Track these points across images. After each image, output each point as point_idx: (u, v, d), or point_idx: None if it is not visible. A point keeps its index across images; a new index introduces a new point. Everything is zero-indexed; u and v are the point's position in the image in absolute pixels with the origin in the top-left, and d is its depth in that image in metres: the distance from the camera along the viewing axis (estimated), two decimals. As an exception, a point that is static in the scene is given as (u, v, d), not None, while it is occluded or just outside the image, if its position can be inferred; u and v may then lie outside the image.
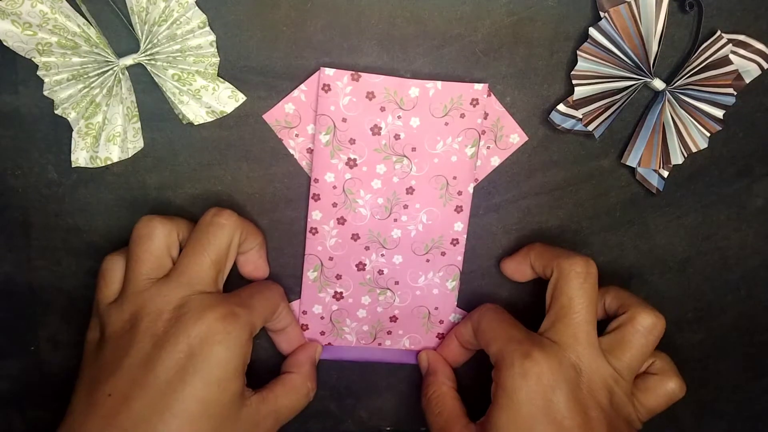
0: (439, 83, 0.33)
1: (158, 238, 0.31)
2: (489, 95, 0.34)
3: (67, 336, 0.37)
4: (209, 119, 0.33)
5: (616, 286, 0.35)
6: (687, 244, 0.38)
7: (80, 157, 0.33)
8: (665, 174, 0.36)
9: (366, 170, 0.34)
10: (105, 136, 0.33)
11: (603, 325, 0.33)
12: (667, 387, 0.33)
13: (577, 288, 0.32)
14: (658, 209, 0.37)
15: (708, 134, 0.35)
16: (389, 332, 0.38)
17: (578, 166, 0.36)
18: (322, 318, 0.37)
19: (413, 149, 0.34)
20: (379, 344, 0.38)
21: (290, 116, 0.34)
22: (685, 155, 0.35)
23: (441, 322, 0.38)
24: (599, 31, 0.32)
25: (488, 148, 0.35)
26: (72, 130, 0.32)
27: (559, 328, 0.31)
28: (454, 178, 0.35)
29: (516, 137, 0.35)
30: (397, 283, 0.37)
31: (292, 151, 0.34)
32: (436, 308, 0.38)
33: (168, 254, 0.32)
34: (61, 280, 0.36)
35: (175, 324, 0.29)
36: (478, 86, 0.33)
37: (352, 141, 0.34)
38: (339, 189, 0.35)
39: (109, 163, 0.33)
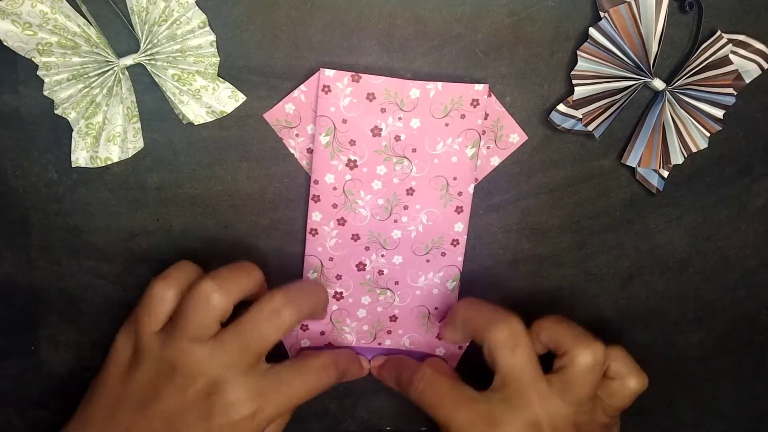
0: (439, 84, 0.33)
1: (213, 310, 0.31)
2: (489, 95, 0.34)
3: (67, 336, 0.37)
4: (209, 119, 0.33)
5: (548, 319, 0.34)
6: (687, 244, 0.38)
7: (80, 157, 0.33)
8: (665, 174, 0.36)
9: (366, 171, 0.34)
10: (105, 136, 0.33)
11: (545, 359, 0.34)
12: (629, 388, 0.33)
13: (509, 357, 0.32)
14: (658, 209, 0.37)
15: (708, 134, 0.35)
16: (389, 332, 0.38)
17: (578, 166, 0.36)
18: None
19: (413, 150, 0.34)
20: (379, 344, 0.38)
21: (290, 116, 0.34)
22: (685, 155, 0.35)
23: (441, 322, 0.38)
24: (599, 31, 0.32)
25: (488, 148, 0.35)
26: (72, 130, 0.32)
27: (508, 394, 0.32)
28: (455, 178, 0.35)
29: (516, 137, 0.35)
30: (397, 283, 0.37)
31: (292, 151, 0.34)
32: (436, 308, 0.38)
33: (218, 322, 0.31)
34: (61, 280, 0.36)
35: (204, 401, 0.30)
36: (479, 87, 0.33)
37: (353, 142, 0.34)
38: (339, 190, 0.35)
39: (109, 163, 0.33)
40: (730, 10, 0.34)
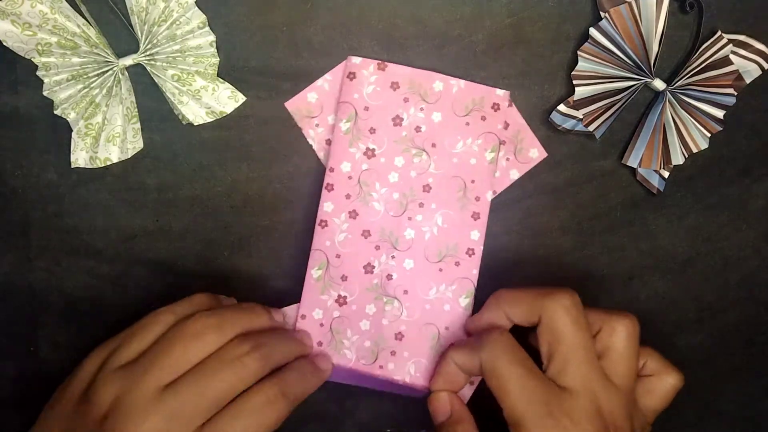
0: (462, 82, 0.33)
1: (203, 348, 0.30)
2: (510, 105, 0.34)
3: (66, 336, 0.37)
4: (209, 120, 0.33)
5: (651, 349, 0.33)
6: (687, 245, 0.38)
7: (80, 157, 0.33)
8: (666, 174, 0.36)
9: (384, 162, 0.34)
10: (104, 136, 0.33)
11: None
12: (667, 384, 0.32)
13: (573, 330, 0.30)
14: (659, 210, 0.37)
15: (708, 134, 0.35)
16: (393, 353, 0.35)
17: (579, 167, 0.36)
18: (321, 325, 0.35)
19: (433, 145, 0.34)
20: (381, 367, 0.35)
21: (312, 105, 0.34)
22: (686, 155, 0.35)
23: (452, 345, 0.34)
24: (600, 31, 0.32)
25: (507, 159, 0.35)
26: (72, 131, 0.32)
27: (571, 372, 0.30)
28: (473, 181, 0.34)
29: (535, 152, 0.35)
30: (406, 292, 0.35)
31: (311, 142, 0.34)
32: (447, 328, 0.35)
33: (194, 364, 0.30)
34: (61, 280, 0.36)
35: None
36: (500, 92, 0.34)
37: (373, 130, 0.33)
38: (354, 180, 0.34)
39: (108, 163, 0.33)
40: (730, 11, 0.33)
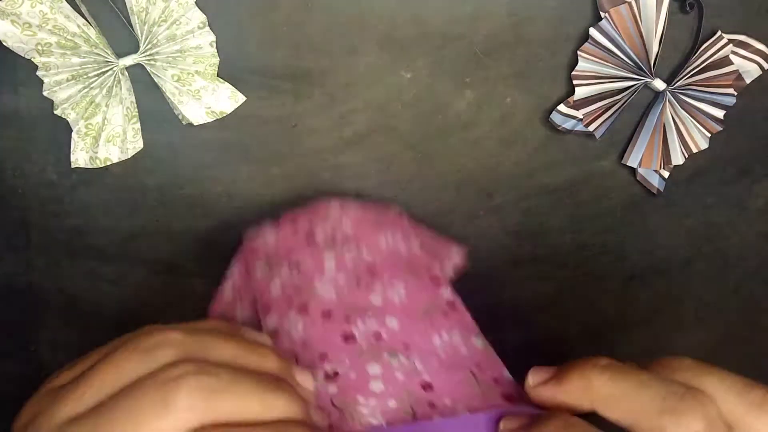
0: (402, 291, 0.29)
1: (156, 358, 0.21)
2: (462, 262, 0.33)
3: (67, 337, 0.37)
4: (209, 120, 0.33)
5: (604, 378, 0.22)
6: (688, 245, 0.38)
7: (80, 157, 0.33)
8: (666, 174, 0.36)
9: (355, 377, 0.26)
10: (104, 136, 0.33)
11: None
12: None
13: None
14: (659, 210, 0.37)
15: (708, 134, 0.35)
16: (431, 404, 0.25)
17: (579, 167, 0.36)
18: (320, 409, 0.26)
19: (406, 347, 0.27)
20: (430, 418, 0.26)
21: (230, 300, 0.31)
22: (686, 155, 0.35)
23: (496, 380, 0.26)
24: (600, 31, 0.32)
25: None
26: (71, 131, 0.32)
27: None
28: (478, 365, 0.27)
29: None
30: (407, 346, 0.27)
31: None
32: (479, 367, 0.27)
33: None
34: (61, 280, 0.36)
35: None
36: (455, 250, 0.33)
37: (323, 356, 0.26)
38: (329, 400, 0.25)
39: (108, 163, 0.33)
40: (730, 10, 0.33)
